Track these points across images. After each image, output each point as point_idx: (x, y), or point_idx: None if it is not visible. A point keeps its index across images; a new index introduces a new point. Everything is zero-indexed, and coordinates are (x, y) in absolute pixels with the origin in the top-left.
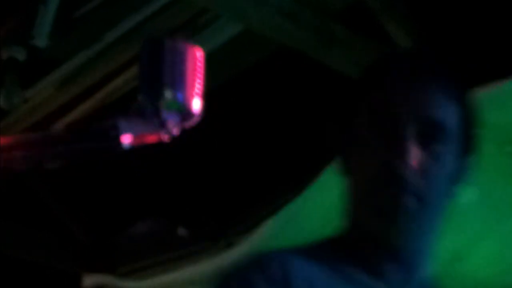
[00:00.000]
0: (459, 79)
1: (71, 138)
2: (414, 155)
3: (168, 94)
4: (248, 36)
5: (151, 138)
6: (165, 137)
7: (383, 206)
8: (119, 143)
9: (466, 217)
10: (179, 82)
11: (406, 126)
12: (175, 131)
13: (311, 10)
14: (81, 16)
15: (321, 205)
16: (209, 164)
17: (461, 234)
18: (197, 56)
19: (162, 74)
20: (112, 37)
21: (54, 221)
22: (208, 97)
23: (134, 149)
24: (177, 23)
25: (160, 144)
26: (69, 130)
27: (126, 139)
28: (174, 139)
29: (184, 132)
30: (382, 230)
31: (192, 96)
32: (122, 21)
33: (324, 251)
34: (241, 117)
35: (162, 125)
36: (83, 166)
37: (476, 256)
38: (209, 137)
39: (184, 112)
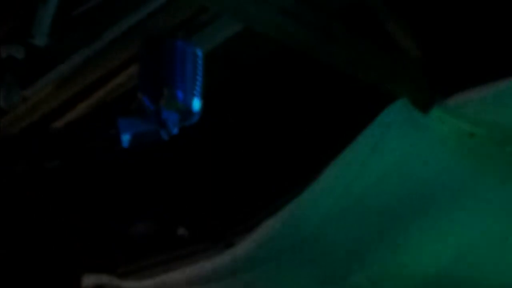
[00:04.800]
0: None
1: (71, 137)
2: None
3: (168, 93)
4: (248, 34)
5: (151, 137)
6: (165, 136)
7: None
8: (119, 142)
9: (468, 216)
10: (179, 81)
11: None
12: (175, 130)
13: (311, 9)
14: (80, 14)
15: (321, 205)
16: (209, 164)
17: (463, 234)
18: (197, 55)
19: (162, 73)
20: (112, 35)
21: (54, 220)
22: (208, 95)
23: (134, 149)
24: (177, 22)
25: (160, 144)
26: (69, 129)
27: (126, 138)
28: (174, 138)
29: (184, 131)
30: None
31: (192, 95)
32: (122, 20)
33: None
34: (241, 116)
35: (162, 124)
36: (83, 166)
37: (477, 256)
38: (209, 137)
39: (184, 111)
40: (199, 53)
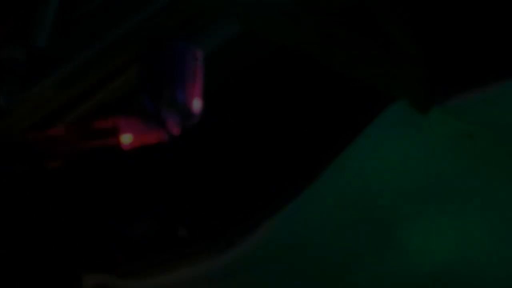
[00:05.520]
0: None
1: (71, 138)
2: None
3: (168, 93)
4: (248, 36)
5: (151, 138)
6: (165, 137)
7: None
8: (119, 143)
9: (468, 216)
10: (179, 82)
11: None
12: (175, 131)
13: (311, 9)
14: (81, 15)
15: (321, 205)
16: (209, 164)
17: (464, 234)
18: (196, 56)
19: (162, 74)
20: (112, 36)
21: (54, 220)
22: (208, 95)
23: (134, 149)
24: (177, 22)
25: (160, 144)
26: (69, 130)
27: (126, 139)
28: (174, 139)
29: (184, 131)
30: None
31: (192, 96)
32: (122, 21)
33: None
34: (241, 116)
35: (162, 125)
36: (83, 166)
37: (477, 258)
38: (209, 137)
39: (184, 112)
40: (199, 53)
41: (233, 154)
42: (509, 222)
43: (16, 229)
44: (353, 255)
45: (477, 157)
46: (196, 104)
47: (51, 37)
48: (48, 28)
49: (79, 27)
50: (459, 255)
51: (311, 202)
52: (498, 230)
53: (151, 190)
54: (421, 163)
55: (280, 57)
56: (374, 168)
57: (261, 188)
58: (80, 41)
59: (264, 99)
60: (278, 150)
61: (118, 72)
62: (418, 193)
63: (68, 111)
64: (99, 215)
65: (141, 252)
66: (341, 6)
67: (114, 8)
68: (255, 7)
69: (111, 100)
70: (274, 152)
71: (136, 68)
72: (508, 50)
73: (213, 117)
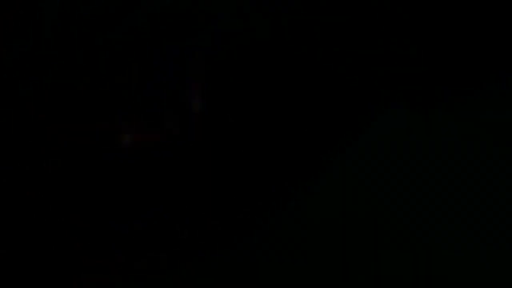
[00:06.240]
0: None
1: (72, 138)
2: None
3: (168, 93)
4: (248, 36)
5: (151, 138)
6: (165, 137)
7: None
8: (119, 143)
9: (469, 217)
10: (179, 81)
11: None
12: (175, 131)
13: (311, 10)
14: (82, 15)
15: (320, 206)
16: (209, 164)
17: (461, 236)
18: (197, 55)
19: (162, 74)
20: (113, 37)
21: (54, 220)
22: (208, 95)
23: (134, 149)
24: (177, 23)
25: (160, 144)
26: (69, 130)
27: (127, 139)
28: (174, 138)
29: (184, 131)
30: None
31: (193, 96)
32: (122, 20)
33: None
34: (241, 117)
35: (162, 125)
36: (83, 166)
37: (479, 258)
38: (209, 137)
39: (184, 111)
40: (199, 53)
41: (233, 154)
42: (510, 221)
43: (16, 229)
44: (354, 255)
45: (477, 157)
46: (196, 104)
47: (52, 36)
48: (49, 28)
49: (79, 27)
50: (460, 255)
51: (311, 202)
52: (499, 229)
53: (151, 190)
54: (421, 163)
55: (281, 57)
56: (374, 168)
57: (261, 188)
58: (80, 41)
59: (264, 99)
60: (278, 150)
61: (118, 72)
62: (418, 193)
63: (68, 111)
64: (99, 215)
65: (141, 251)
66: (341, 6)
67: (114, 8)
68: (255, 8)
69: (111, 100)
70: (274, 152)
71: (136, 68)
72: (507, 50)
73: (213, 117)
